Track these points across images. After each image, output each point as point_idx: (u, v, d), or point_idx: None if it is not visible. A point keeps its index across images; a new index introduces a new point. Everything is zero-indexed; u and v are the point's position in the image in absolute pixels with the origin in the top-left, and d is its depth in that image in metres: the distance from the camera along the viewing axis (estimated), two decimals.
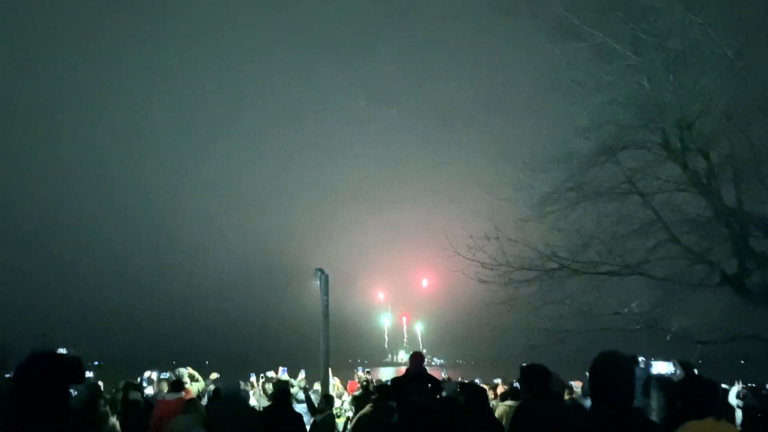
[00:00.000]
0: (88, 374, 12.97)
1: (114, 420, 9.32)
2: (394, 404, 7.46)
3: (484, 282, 8.62)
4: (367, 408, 8.42)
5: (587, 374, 3.19)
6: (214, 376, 14.03)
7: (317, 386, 13.17)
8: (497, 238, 8.60)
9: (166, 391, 11.37)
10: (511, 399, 8.39)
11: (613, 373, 3.04)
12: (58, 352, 6.34)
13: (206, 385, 13.21)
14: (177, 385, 10.99)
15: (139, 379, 16.19)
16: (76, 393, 9.07)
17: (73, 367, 6.18)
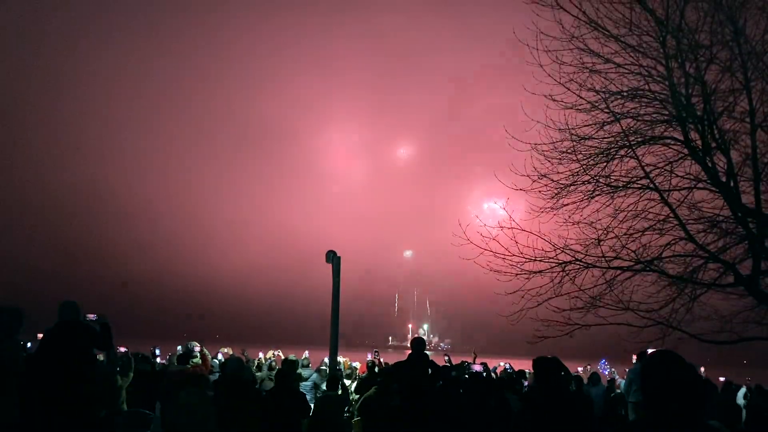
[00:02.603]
0: (122, 349, 13.25)
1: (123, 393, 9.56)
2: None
3: (495, 272, 8.64)
4: (372, 390, 8.54)
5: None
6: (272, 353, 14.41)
7: (324, 366, 13.34)
8: (511, 228, 8.61)
9: (176, 363, 11.59)
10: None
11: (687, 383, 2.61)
12: (88, 317, 6.49)
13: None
14: (183, 357, 11.19)
15: (152, 348, 16.52)
16: (103, 359, 9.28)
17: (99, 335, 6.32)
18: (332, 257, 9.18)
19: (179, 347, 13.49)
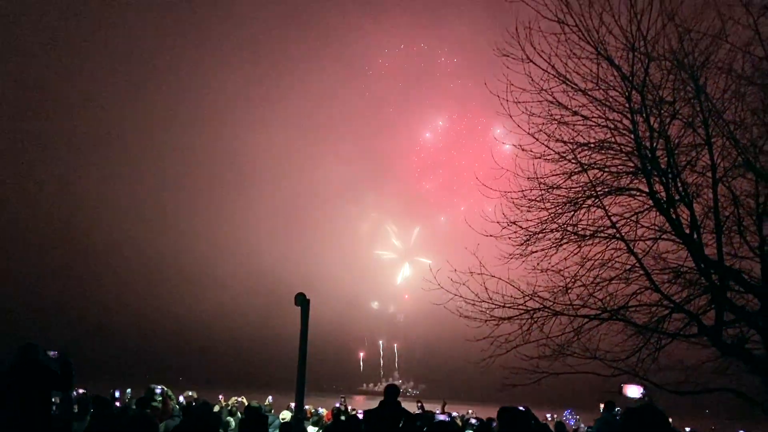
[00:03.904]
0: (81, 391, 12.75)
1: None
2: None
3: (465, 317, 8.64)
4: None
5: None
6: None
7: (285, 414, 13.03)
8: (481, 273, 8.66)
9: (134, 407, 11.18)
10: None
11: None
12: (49, 354, 6.27)
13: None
14: (143, 401, 10.84)
15: (112, 391, 15.97)
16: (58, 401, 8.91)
17: (58, 374, 6.11)
18: (301, 300, 9.05)
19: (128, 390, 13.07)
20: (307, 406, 15.15)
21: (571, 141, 8.37)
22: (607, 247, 8.31)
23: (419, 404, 16.39)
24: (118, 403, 15.11)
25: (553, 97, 8.34)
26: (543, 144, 8.45)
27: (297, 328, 9.29)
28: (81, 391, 12.79)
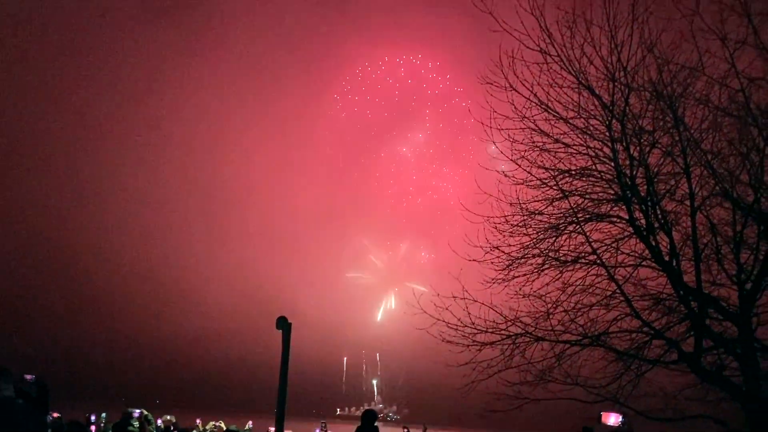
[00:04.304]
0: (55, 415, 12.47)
1: None
2: None
3: (447, 342, 8.64)
4: None
5: None
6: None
7: None
8: (464, 298, 8.68)
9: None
10: None
11: None
12: (25, 378, 6.17)
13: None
14: (119, 425, 10.64)
15: (87, 415, 15.63)
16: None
17: (34, 399, 6.00)
18: (282, 324, 8.97)
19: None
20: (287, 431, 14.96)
21: (553, 168, 8.49)
22: (588, 273, 8.38)
23: (405, 429, 16.28)
24: (93, 428, 14.80)
25: (536, 125, 8.48)
26: (525, 170, 8.56)
27: (278, 351, 9.20)
28: (55, 415, 12.50)
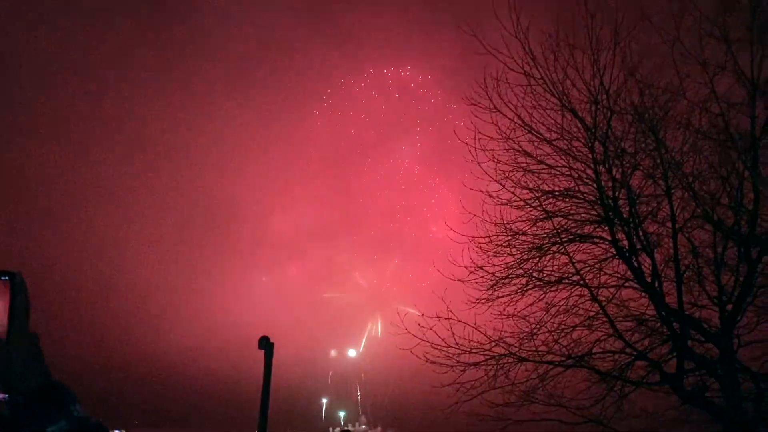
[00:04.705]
0: None
1: None
2: None
3: (432, 362, 8.60)
4: None
5: None
6: None
7: None
8: (448, 318, 8.65)
9: None
10: None
11: None
12: None
13: None
14: None
15: None
16: None
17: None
18: (265, 344, 8.90)
19: None
20: None
21: (537, 189, 8.56)
22: (572, 293, 8.41)
23: None
24: None
25: (520, 146, 8.56)
26: (509, 191, 8.62)
27: (261, 371, 9.11)
28: None
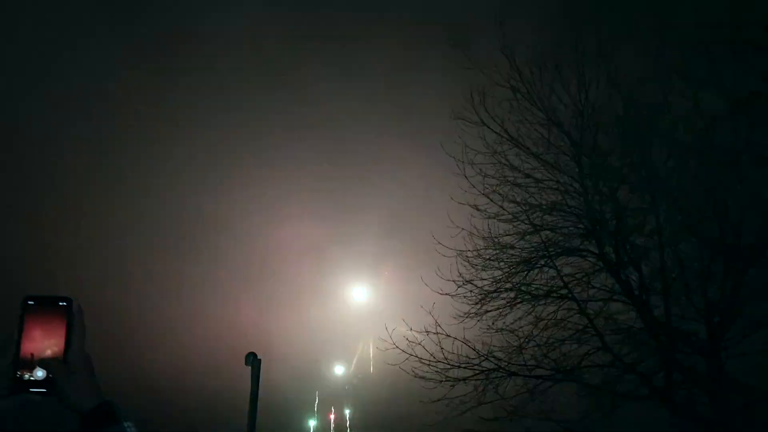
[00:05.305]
0: None
1: None
2: None
3: (420, 378, 8.51)
4: None
5: None
6: None
7: None
8: (437, 333, 8.58)
9: None
10: None
11: None
12: None
13: None
14: None
15: None
16: None
17: None
18: (252, 360, 8.76)
19: None
20: None
21: (524, 202, 8.57)
22: (560, 307, 8.40)
23: None
24: None
25: (507, 160, 8.58)
26: (497, 204, 8.62)
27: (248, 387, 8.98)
28: None
